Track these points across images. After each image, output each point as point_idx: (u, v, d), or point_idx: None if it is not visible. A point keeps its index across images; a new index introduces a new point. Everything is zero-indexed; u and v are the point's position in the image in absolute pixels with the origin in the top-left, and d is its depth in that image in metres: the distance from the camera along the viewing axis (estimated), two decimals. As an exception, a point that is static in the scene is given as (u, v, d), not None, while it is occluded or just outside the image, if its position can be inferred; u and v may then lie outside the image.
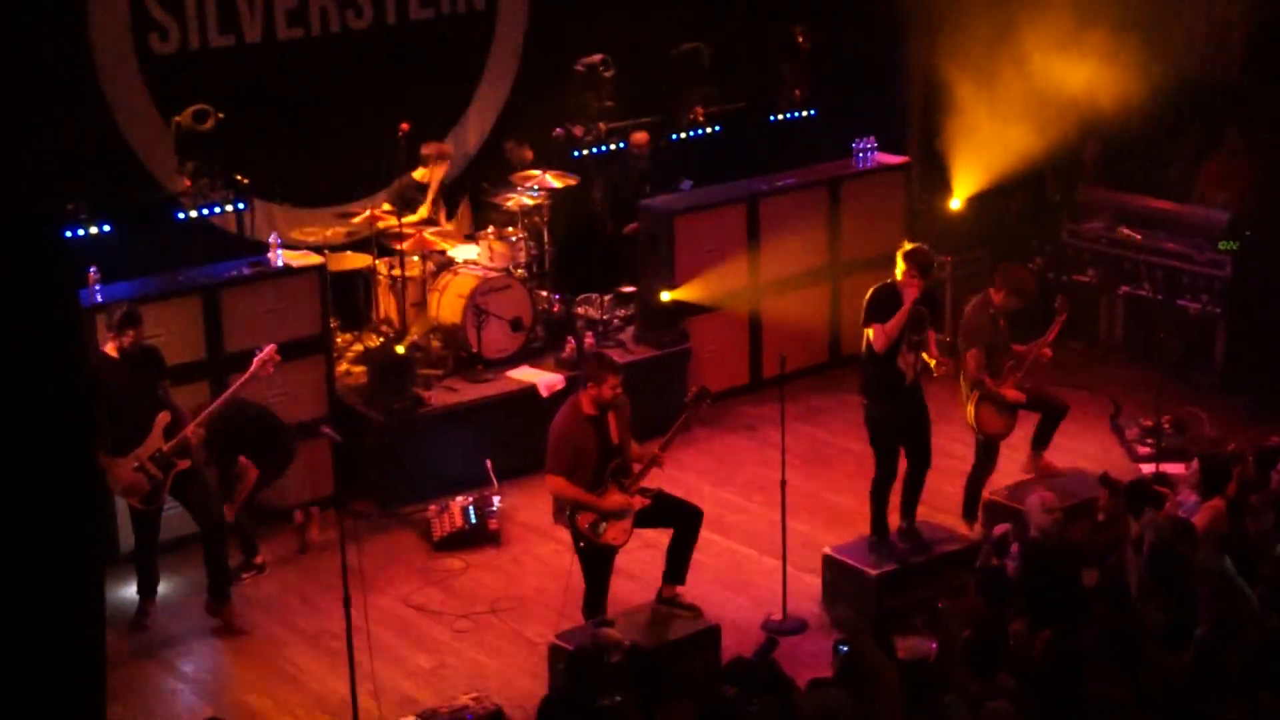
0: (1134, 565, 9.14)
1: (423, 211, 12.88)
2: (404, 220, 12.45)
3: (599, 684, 8.09)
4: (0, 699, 6.07)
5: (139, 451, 9.93)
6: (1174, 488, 10.04)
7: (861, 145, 14.16)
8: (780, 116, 15.06)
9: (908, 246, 10.33)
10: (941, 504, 11.16)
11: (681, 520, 9.82)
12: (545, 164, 13.28)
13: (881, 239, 13.81)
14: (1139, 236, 13.66)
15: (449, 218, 13.27)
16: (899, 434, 10.39)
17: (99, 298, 10.96)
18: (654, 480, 9.77)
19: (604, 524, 9.47)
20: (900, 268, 10.18)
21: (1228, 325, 13.36)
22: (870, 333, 10.18)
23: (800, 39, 14.91)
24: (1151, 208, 14.04)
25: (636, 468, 9.61)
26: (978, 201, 14.70)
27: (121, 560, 10.81)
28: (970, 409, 10.82)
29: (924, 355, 10.31)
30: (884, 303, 10.20)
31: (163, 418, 9.96)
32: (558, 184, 12.96)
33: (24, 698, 6.00)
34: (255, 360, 10.19)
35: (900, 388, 10.27)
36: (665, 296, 12.97)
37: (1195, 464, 10.08)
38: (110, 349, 9.94)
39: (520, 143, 13.59)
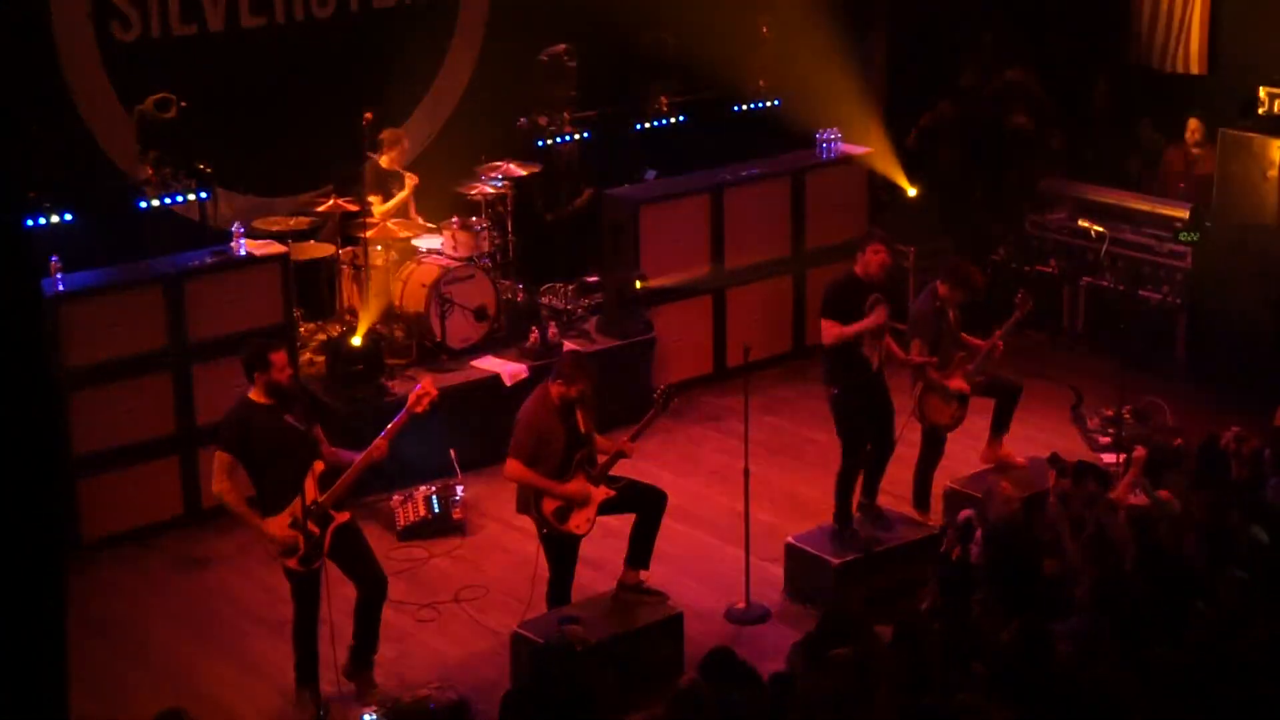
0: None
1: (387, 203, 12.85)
2: (376, 209, 12.57)
3: (564, 678, 8.09)
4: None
5: (293, 506, 8.89)
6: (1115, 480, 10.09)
7: (825, 136, 14.20)
8: (744, 106, 15.09)
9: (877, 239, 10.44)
10: (905, 493, 11.20)
11: (645, 503, 9.80)
12: (510, 153, 13.29)
13: (845, 229, 13.86)
14: (1100, 227, 13.74)
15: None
16: (865, 419, 10.44)
17: (61, 287, 10.95)
18: (619, 471, 9.77)
19: (569, 511, 9.48)
20: (869, 257, 10.24)
21: (1188, 316, 13.45)
22: (824, 325, 10.21)
23: (764, 29, 14.94)
24: (1113, 199, 14.11)
25: (602, 459, 9.63)
26: (940, 192, 14.78)
27: (84, 550, 10.82)
28: (915, 399, 10.88)
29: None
30: (845, 297, 10.25)
31: (317, 466, 8.97)
32: (523, 173, 13.02)
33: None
34: (410, 396, 9.19)
35: (867, 373, 10.33)
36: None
37: (1140, 453, 10.11)
38: (256, 394, 9.00)
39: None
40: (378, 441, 9.02)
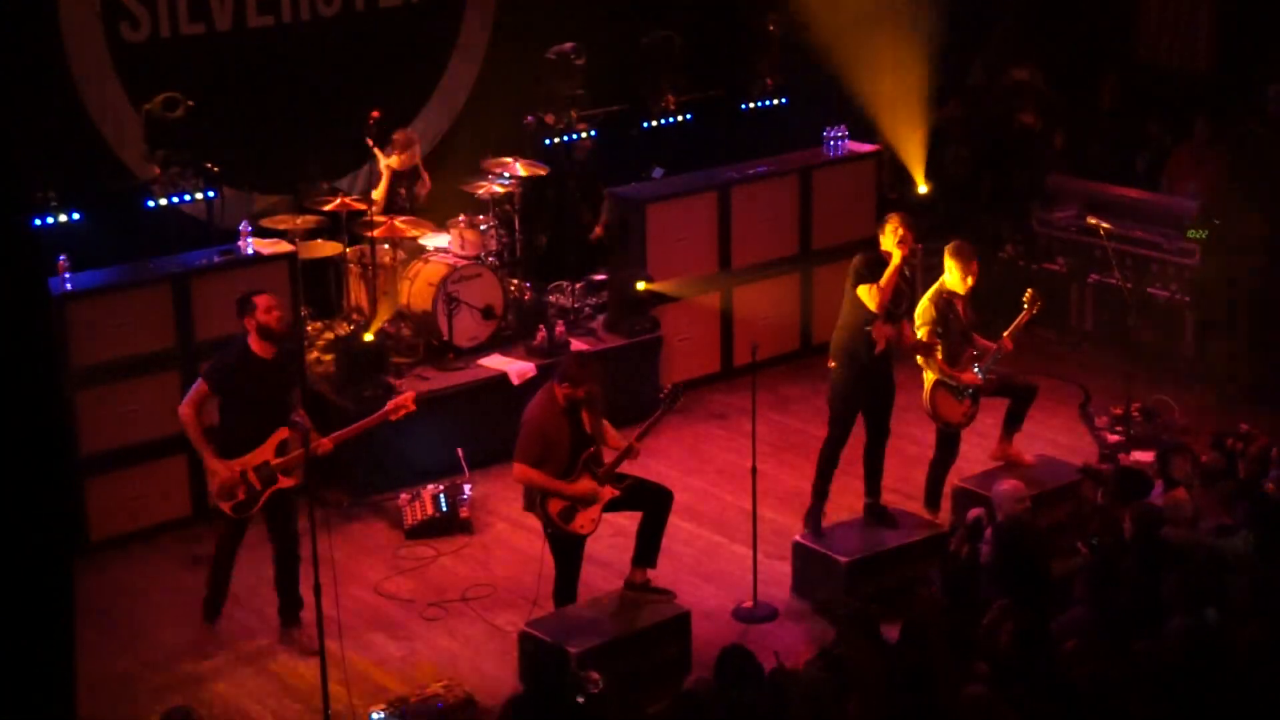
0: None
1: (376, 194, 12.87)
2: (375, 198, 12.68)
3: (565, 685, 8.05)
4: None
5: (247, 459, 9.50)
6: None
7: (832, 134, 14.19)
8: (752, 105, 15.08)
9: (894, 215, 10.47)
10: (914, 492, 11.19)
11: (651, 502, 9.79)
12: (516, 152, 13.29)
13: (852, 227, 13.86)
14: (1108, 225, 13.73)
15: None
16: (859, 401, 10.45)
17: (69, 286, 10.95)
18: (626, 470, 9.77)
19: (574, 511, 9.48)
20: (890, 232, 10.25)
21: (1196, 313, 13.44)
22: (864, 292, 10.22)
23: (771, 27, 14.93)
24: (1121, 196, 14.10)
25: (609, 456, 9.62)
26: (948, 190, 14.76)
27: (91, 549, 10.83)
28: (926, 395, 10.85)
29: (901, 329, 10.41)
30: (875, 266, 10.28)
31: (280, 432, 9.52)
32: (525, 172, 13.02)
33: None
34: (390, 402, 9.80)
35: (869, 355, 10.32)
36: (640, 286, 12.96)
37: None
38: (253, 342, 9.56)
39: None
40: (324, 441, 9.52)
